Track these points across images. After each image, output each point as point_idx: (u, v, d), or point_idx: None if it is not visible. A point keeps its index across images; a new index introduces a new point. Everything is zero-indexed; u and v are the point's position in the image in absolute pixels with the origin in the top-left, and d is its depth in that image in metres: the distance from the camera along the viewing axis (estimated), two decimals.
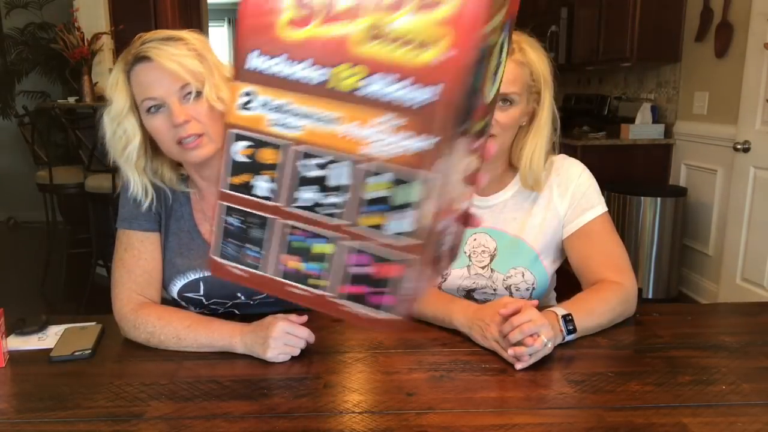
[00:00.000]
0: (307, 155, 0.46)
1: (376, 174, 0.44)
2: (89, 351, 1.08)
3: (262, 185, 0.50)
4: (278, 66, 0.45)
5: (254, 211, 0.51)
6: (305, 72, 0.44)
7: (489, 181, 1.29)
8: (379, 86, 0.42)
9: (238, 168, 0.50)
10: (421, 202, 0.43)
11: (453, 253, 0.61)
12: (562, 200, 1.27)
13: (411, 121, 0.41)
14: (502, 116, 1.17)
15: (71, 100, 4.03)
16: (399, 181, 0.43)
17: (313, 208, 0.48)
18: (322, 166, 0.46)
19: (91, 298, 3.45)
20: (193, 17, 5.60)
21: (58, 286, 3.79)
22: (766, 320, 1.26)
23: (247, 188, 0.50)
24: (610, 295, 1.17)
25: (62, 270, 3.77)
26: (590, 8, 4.12)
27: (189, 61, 1.05)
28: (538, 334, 1.00)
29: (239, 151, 0.50)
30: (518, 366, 1.00)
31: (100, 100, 4.04)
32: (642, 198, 3.39)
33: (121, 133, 1.11)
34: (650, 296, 3.46)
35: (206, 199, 1.19)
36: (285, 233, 0.50)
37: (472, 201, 0.61)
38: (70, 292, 3.67)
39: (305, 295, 0.51)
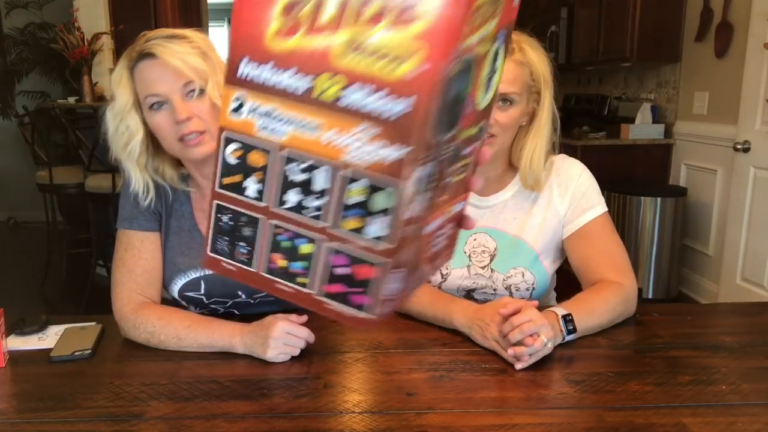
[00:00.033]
0: (292, 160, 0.49)
1: (355, 180, 0.46)
2: (89, 351, 1.08)
3: (251, 186, 0.52)
4: (266, 74, 0.48)
5: (244, 211, 0.53)
6: (291, 81, 0.47)
7: (489, 181, 1.29)
8: (358, 97, 0.44)
9: (229, 169, 0.53)
10: (394, 208, 0.45)
11: (447, 255, 0.63)
12: (563, 200, 1.27)
13: (386, 131, 0.43)
14: (502, 116, 1.17)
15: (71, 100, 4.04)
16: (375, 188, 0.46)
17: (298, 209, 0.50)
18: (305, 171, 0.48)
19: (91, 298, 3.45)
20: (193, 17, 5.60)
21: (58, 286, 3.79)
22: (766, 320, 1.26)
23: (237, 189, 0.53)
24: (610, 295, 1.17)
25: (62, 270, 3.77)
26: (590, 8, 4.13)
27: (193, 59, 1.05)
28: (538, 334, 1.00)
29: (230, 153, 0.52)
30: (518, 366, 1.00)
31: (100, 100, 4.05)
32: (642, 198, 3.39)
33: (123, 129, 1.11)
34: (650, 296, 3.46)
35: (206, 198, 1.19)
36: (273, 233, 0.53)
37: (467, 203, 0.62)
38: (70, 292, 3.67)
39: (291, 292, 0.54)
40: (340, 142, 0.46)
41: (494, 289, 1.28)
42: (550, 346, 1.02)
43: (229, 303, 1.22)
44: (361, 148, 0.45)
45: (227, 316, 1.16)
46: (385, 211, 0.46)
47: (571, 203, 1.26)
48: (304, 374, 1.01)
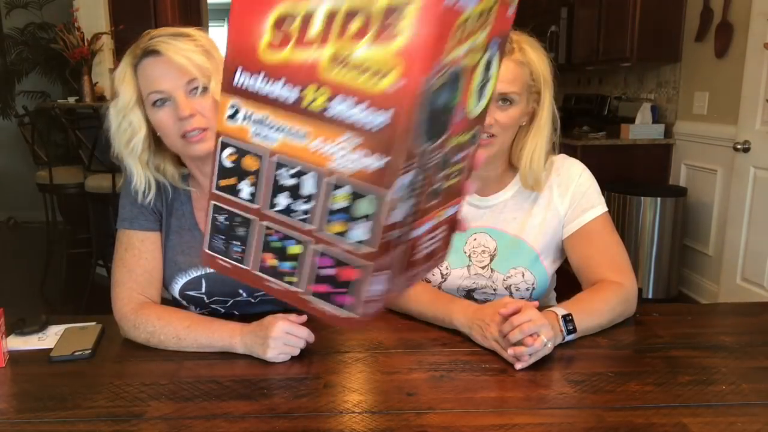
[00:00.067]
0: (282, 165, 0.52)
1: (339, 187, 0.49)
2: (89, 351, 1.08)
3: (245, 189, 0.55)
4: (259, 83, 0.50)
5: (238, 212, 0.56)
6: (281, 91, 0.49)
7: (489, 181, 1.30)
8: (342, 108, 0.46)
9: (225, 172, 0.56)
10: (376, 214, 0.48)
11: (440, 258, 0.66)
12: (563, 200, 1.27)
13: (368, 141, 0.46)
14: (501, 116, 1.17)
15: (71, 100, 4.04)
16: (357, 195, 0.48)
17: (287, 212, 0.53)
18: (294, 176, 0.51)
19: (91, 298, 3.45)
20: (193, 17, 5.60)
21: (58, 286, 3.79)
22: (766, 320, 1.26)
23: (232, 190, 0.56)
24: (610, 295, 1.17)
25: (62, 270, 3.76)
26: (590, 8, 4.13)
27: (197, 57, 1.06)
28: (538, 333, 1.00)
29: (226, 156, 0.55)
30: (518, 366, 1.00)
31: (100, 100, 4.05)
32: (642, 198, 3.39)
33: (126, 125, 1.12)
34: (650, 296, 3.46)
35: (207, 197, 1.20)
36: (264, 233, 0.55)
37: (461, 207, 0.64)
38: (70, 292, 3.67)
39: (280, 290, 0.56)
40: (326, 150, 0.48)
41: (494, 289, 1.28)
42: (550, 346, 1.02)
43: (230, 302, 1.22)
44: (345, 156, 0.47)
45: (227, 316, 1.16)
46: (367, 217, 0.48)
47: (571, 203, 1.26)
48: (304, 374, 1.01)
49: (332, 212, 0.50)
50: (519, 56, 1.17)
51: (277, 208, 0.53)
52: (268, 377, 1.00)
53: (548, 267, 1.29)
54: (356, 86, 0.45)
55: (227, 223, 0.58)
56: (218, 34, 8.78)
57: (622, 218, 3.43)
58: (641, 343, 1.13)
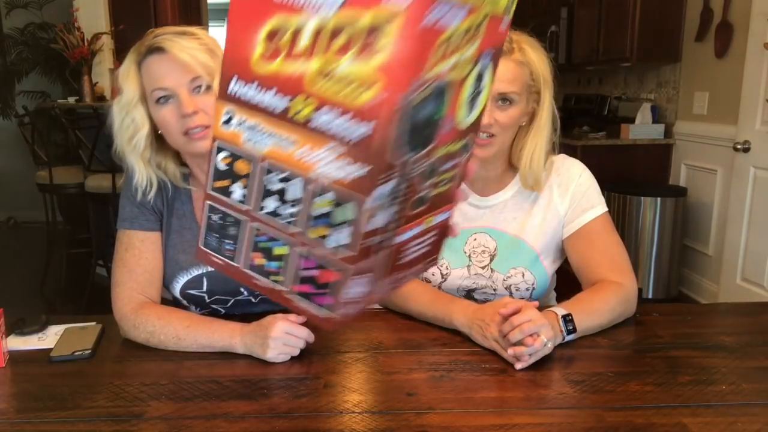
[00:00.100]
0: (270, 170, 0.54)
1: (322, 193, 0.51)
2: (89, 351, 1.08)
3: (237, 191, 0.58)
4: (251, 92, 0.53)
5: (231, 212, 0.59)
6: (271, 100, 0.52)
7: (489, 181, 1.30)
8: (326, 119, 0.49)
9: (219, 174, 0.59)
10: (355, 220, 0.50)
11: (430, 262, 0.68)
12: (563, 200, 1.27)
13: (349, 151, 0.48)
14: (501, 116, 1.17)
15: (71, 100, 4.04)
16: (339, 201, 0.51)
17: (275, 215, 0.56)
18: (282, 181, 0.54)
19: (91, 298, 3.45)
20: (193, 17, 5.61)
21: (58, 286, 3.79)
22: (766, 320, 1.26)
23: (226, 192, 0.59)
24: (610, 295, 1.17)
25: (62, 270, 3.77)
26: (590, 8, 4.13)
27: (201, 55, 1.07)
28: (538, 333, 1.00)
29: (221, 159, 0.58)
30: (518, 366, 1.00)
31: (100, 100, 4.05)
32: (642, 198, 3.39)
33: (129, 122, 1.12)
34: (650, 296, 3.46)
35: None
36: (253, 234, 0.58)
37: (453, 213, 0.66)
38: (70, 292, 3.67)
39: (266, 288, 0.60)
40: (311, 158, 0.51)
41: (494, 289, 1.28)
42: (550, 346, 1.02)
43: (231, 301, 1.22)
44: (329, 164, 0.50)
45: (228, 317, 1.16)
46: (347, 223, 0.51)
47: (571, 203, 1.26)
48: (304, 374, 1.01)
49: (315, 217, 0.52)
50: (519, 56, 1.17)
51: (265, 211, 0.56)
52: (268, 377, 1.00)
53: (548, 267, 1.29)
54: (340, 99, 0.47)
55: (221, 222, 0.60)
56: (218, 34, 8.79)
57: (622, 218, 3.43)
58: (641, 343, 1.13)
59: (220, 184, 0.59)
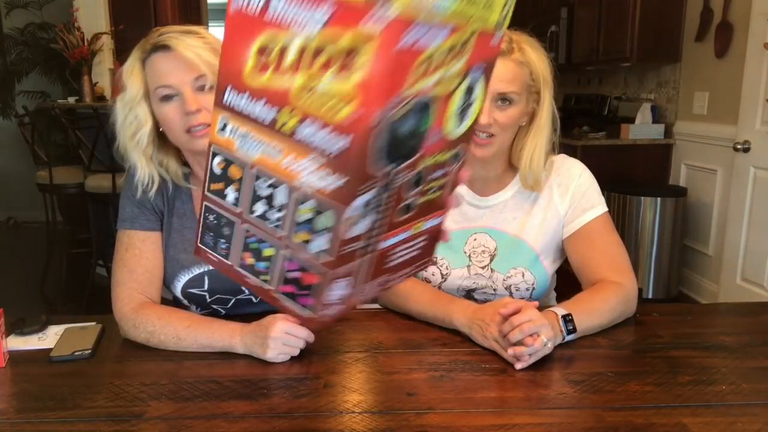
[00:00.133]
0: (260, 176, 0.57)
1: (305, 201, 0.54)
2: (89, 351, 1.08)
3: (230, 194, 0.61)
4: (243, 103, 0.56)
5: (225, 214, 0.63)
6: (261, 111, 0.55)
7: (489, 181, 1.30)
8: (309, 131, 0.51)
9: (214, 177, 0.62)
10: (334, 227, 0.53)
11: (421, 266, 0.71)
12: (563, 200, 1.27)
13: (329, 163, 0.51)
14: (501, 116, 1.17)
15: (71, 100, 4.04)
16: (319, 209, 0.53)
17: (263, 218, 0.59)
18: (270, 187, 0.57)
19: (91, 298, 3.45)
20: (193, 17, 5.60)
21: (58, 286, 3.79)
22: (766, 320, 1.26)
23: (220, 194, 0.62)
24: (610, 295, 1.17)
25: (62, 270, 3.77)
26: (590, 8, 4.13)
27: (205, 54, 1.07)
28: (538, 333, 1.00)
29: (216, 164, 0.62)
30: (518, 366, 1.00)
31: (100, 100, 4.05)
32: (642, 198, 3.39)
33: (132, 118, 1.13)
34: (650, 296, 3.46)
35: None
36: (244, 235, 0.62)
37: (445, 219, 0.69)
38: (70, 292, 3.67)
39: (255, 286, 0.63)
40: (295, 167, 0.53)
41: (494, 289, 1.28)
42: (550, 346, 1.02)
43: (232, 301, 1.22)
44: (311, 174, 0.52)
45: (228, 318, 1.16)
46: (327, 230, 0.54)
47: (571, 203, 1.26)
48: (304, 374, 1.01)
49: (299, 223, 0.55)
50: (518, 56, 1.17)
51: (255, 214, 0.59)
52: (268, 377, 1.00)
53: (548, 267, 1.29)
54: (321, 113, 0.50)
55: (216, 222, 0.64)
56: (219, 33, 8.79)
57: (622, 218, 3.43)
58: (641, 343, 1.13)
59: (215, 186, 0.62)
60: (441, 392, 0.94)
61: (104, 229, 3.49)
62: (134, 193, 1.18)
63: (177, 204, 1.22)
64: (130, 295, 1.14)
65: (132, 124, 1.13)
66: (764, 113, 2.84)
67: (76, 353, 1.07)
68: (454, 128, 0.58)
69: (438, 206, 0.66)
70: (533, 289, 1.27)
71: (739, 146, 2.94)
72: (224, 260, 0.65)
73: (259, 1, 0.51)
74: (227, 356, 1.06)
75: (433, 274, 1.30)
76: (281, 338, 1.02)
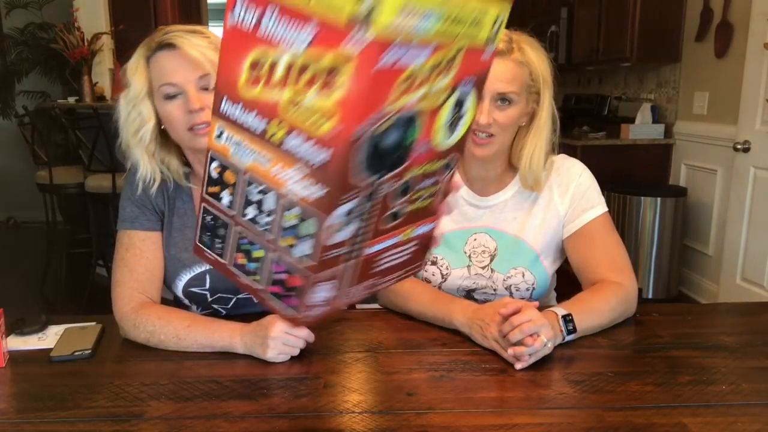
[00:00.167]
0: (251, 182, 0.60)
1: (290, 208, 0.57)
2: (89, 351, 1.08)
3: (225, 197, 0.64)
4: (237, 113, 0.59)
5: (220, 215, 0.66)
6: (252, 121, 0.57)
7: (489, 181, 1.30)
8: (295, 143, 0.54)
9: (211, 181, 0.65)
10: (316, 234, 0.56)
11: (412, 270, 0.74)
12: (563, 200, 1.27)
13: (312, 173, 0.53)
14: (500, 116, 1.17)
15: (71, 100, 4.03)
16: (303, 216, 0.56)
17: (254, 222, 0.61)
18: (260, 193, 0.60)
19: (91, 298, 3.45)
20: (193, 17, 5.60)
21: (58, 286, 3.79)
22: (766, 320, 1.26)
23: (217, 197, 0.65)
24: (611, 295, 1.17)
25: (62, 270, 3.77)
26: (590, 8, 4.13)
27: (210, 53, 1.08)
28: (538, 334, 1.00)
29: (213, 168, 0.65)
30: (518, 366, 1.00)
31: (100, 100, 4.05)
32: (642, 198, 3.39)
33: (135, 115, 1.13)
34: (650, 296, 3.46)
35: None
36: (237, 236, 0.65)
37: (437, 225, 0.71)
38: (70, 292, 3.67)
39: (247, 285, 0.66)
40: (282, 175, 0.56)
41: (494, 290, 1.28)
42: (550, 346, 1.02)
43: (233, 300, 1.22)
44: (296, 183, 0.55)
45: (229, 318, 1.16)
46: (310, 236, 0.56)
47: (571, 203, 1.26)
48: (304, 374, 1.01)
49: (285, 228, 0.58)
50: (518, 56, 1.17)
51: (247, 217, 0.62)
52: (268, 377, 1.00)
53: (548, 267, 1.29)
54: (306, 126, 0.52)
55: (212, 223, 0.67)
56: (219, 33, 8.78)
57: (622, 218, 3.43)
58: (641, 343, 1.13)
59: (212, 189, 0.66)
60: (441, 392, 0.94)
61: (104, 229, 3.49)
62: (135, 192, 1.18)
63: (178, 203, 1.22)
64: (131, 294, 1.14)
65: (135, 121, 1.13)
66: (764, 113, 2.84)
67: (76, 353, 1.07)
68: (443, 140, 0.61)
69: (429, 213, 0.68)
70: (533, 289, 1.27)
71: (739, 146, 2.94)
72: (219, 259, 0.68)
73: (252, 19, 0.54)
74: (227, 356, 1.06)
75: (433, 275, 1.30)
76: (281, 338, 1.02)
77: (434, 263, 1.29)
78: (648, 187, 3.49)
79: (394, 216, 0.62)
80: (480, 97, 0.62)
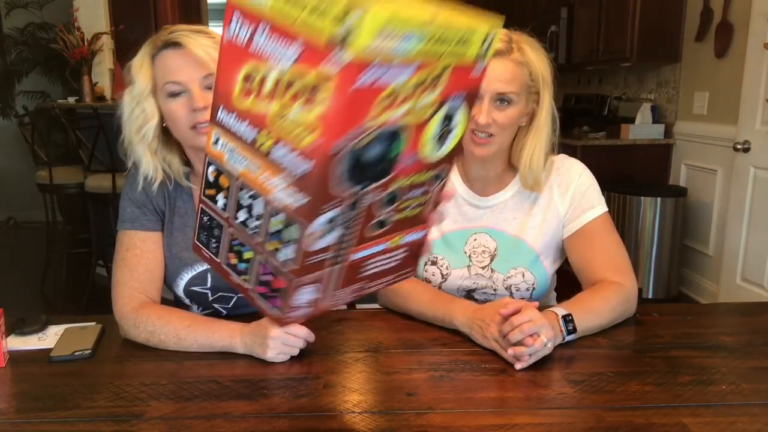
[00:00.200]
0: (242, 188, 0.63)
1: (276, 214, 0.60)
2: (89, 351, 1.08)
3: (220, 200, 0.67)
4: (232, 122, 0.62)
5: (216, 217, 0.69)
6: (244, 131, 0.60)
7: (489, 181, 1.30)
8: (280, 153, 0.57)
9: (208, 184, 0.69)
10: (299, 239, 0.58)
11: (403, 275, 0.77)
12: (563, 200, 1.27)
13: (295, 183, 0.56)
14: (499, 116, 1.17)
15: (71, 100, 4.04)
16: (287, 223, 0.59)
17: (245, 225, 0.64)
18: (250, 198, 0.62)
19: (91, 298, 3.45)
20: (193, 17, 5.60)
21: (58, 286, 3.79)
22: (766, 320, 1.26)
23: (213, 199, 0.68)
24: (611, 295, 1.17)
25: (62, 270, 3.77)
26: (590, 8, 4.13)
27: (215, 54, 1.08)
28: (538, 334, 1.00)
29: (210, 172, 0.68)
30: (518, 366, 1.00)
31: (100, 100, 4.05)
32: (642, 198, 3.39)
33: (139, 112, 1.13)
34: (650, 296, 3.46)
35: None
36: (230, 238, 0.68)
37: (427, 233, 0.73)
38: (70, 292, 3.67)
39: (238, 284, 0.69)
40: (270, 183, 0.59)
41: (494, 290, 1.28)
42: (550, 346, 1.02)
43: (234, 299, 1.22)
44: (281, 191, 0.58)
45: (229, 318, 1.16)
46: (293, 241, 0.59)
47: (571, 203, 1.26)
48: (304, 374, 1.01)
49: (271, 233, 0.61)
50: (518, 56, 1.17)
51: (238, 220, 0.65)
52: (268, 377, 1.00)
53: (548, 267, 1.29)
54: (290, 138, 0.55)
55: (209, 223, 0.70)
56: (219, 32, 8.77)
57: (622, 218, 3.44)
58: (641, 343, 1.13)
59: (209, 192, 0.69)
60: (441, 392, 0.94)
61: (104, 229, 3.49)
62: (135, 191, 1.19)
63: (179, 203, 1.22)
64: (131, 294, 1.14)
65: (139, 117, 1.14)
66: (764, 113, 2.84)
67: (76, 353, 1.07)
68: (432, 152, 0.63)
69: (418, 222, 0.70)
70: (533, 289, 1.27)
71: (739, 146, 2.94)
72: (214, 258, 0.71)
73: (246, 34, 0.57)
74: (227, 356, 1.06)
75: (433, 275, 1.30)
76: (280, 338, 1.02)
77: (434, 263, 1.29)
78: (648, 187, 3.49)
79: (381, 224, 0.65)
80: (471, 110, 0.64)
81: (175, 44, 1.09)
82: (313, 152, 0.53)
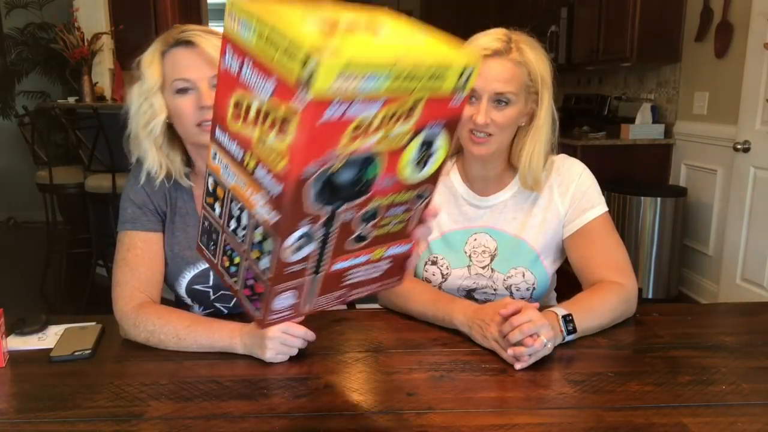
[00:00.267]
0: (233, 200, 0.70)
1: (257, 227, 0.66)
2: (89, 351, 1.08)
3: (217, 208, 0.74)
4: (226, 141, 0.68)
5: (213, 223, 0.75)
6: (235, 150, 0.66)
7: (489, 181, 1.30)
8: (261, 174, 0.62)
9: (209, 193, 0.75)
10: (274, 251, 0.64)
11: (388, 283, 0.81)
12: (563, 200, 1.27)
13: (271, 201, 0.62)
14: (498, 116, 1.17)
15: (71, 100, 4.03)
16: (265, 236, 0.65)
17: (235, 233, 0.71)
18: (239, 209, 0.69)
19: (91, 298, 3.45)
20: (193, 17, 5.60)
21: (58, 286, 3.79)
22: (766, 320, 1.26)
23: (212, 207, 0.75)
24: (611, 296, 1.17)
25: (62, 270, 3.76)
26: (590, 8, 4.13)
27: None
28: (538, 334, 1.00)
29: (210, 183, 0.74)
30: (518, 366, 1.00)
31: (100, 100, 4.05)
32: (642, 198, 3.39)
33: (146, 107, 1.14)
34: (650, 296, 3.46)
35: None
36: (223, 243, 0.74)
37: (414, 247, 0.78)
38: (70, 292, 3.67)
39: (230, 285, 0.75)
40: (253, 198, 0.65)
41: (495, 289, 1.28)
42: (549, 346, 1.02)
43: (235, 298, 1.22)
44: (261, 207, 0.64)
45: (230, 317, 1.16)
46: (270, 252, 0.65)
47: (571, 203, 1.26)
48: (304, 374, 1.01)
49: (254, 243, 0.67)
50: (516, 56, 1.17)
51: (230, 228, 0.71)
52: (268, 377, 1.00)
53: (548, 267, 1.29)
54: (268, 162, 0.60)
55: (209, 227, 0.77)
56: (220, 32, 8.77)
57: (622, 218, 3.43)
58: (641, 343, 1.13)
59: (209, 200, 0.75)
60: (441, 392, 0.94)
61: (104, 229, 3.49)
62: (137, 190, 1.19)
63: (179, 203, 1.22)
64: (132, 294, 1.14)
65: (146, 113, 1.14)
66: (764, 113, 2.84)
67: (76, 353, 1.07)
68: (411, 175, 0.67)
69: (401, 236, 0.75)
70: (533, 289, 1.27)
71: (739, 146, 2.94)
72: (212, 259, 0.77)
73: (236, 66, 0.63)
74: (227, 356, 1.06)
75: (433, 274, 1.30)
76: (279, 338, 1.02)
77: (434, 263, 1.30)
78: (648, 187, 3.49)
79: (361, 238, 0.70)
80: (454, 136, 0.68)
81: (187, 42, 1.10)
82: (284, 177, 0.58)
